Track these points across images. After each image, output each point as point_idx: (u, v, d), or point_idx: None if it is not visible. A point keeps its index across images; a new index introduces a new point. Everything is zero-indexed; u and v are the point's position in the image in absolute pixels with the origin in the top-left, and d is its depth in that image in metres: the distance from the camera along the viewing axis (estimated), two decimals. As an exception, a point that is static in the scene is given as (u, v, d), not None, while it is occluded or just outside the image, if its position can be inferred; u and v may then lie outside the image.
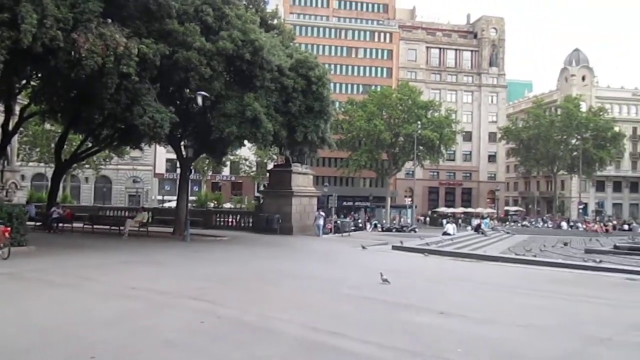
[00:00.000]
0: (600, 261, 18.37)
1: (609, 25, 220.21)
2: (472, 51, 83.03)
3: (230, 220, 31.51)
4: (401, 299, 9.83)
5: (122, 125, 22.66)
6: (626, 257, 22.80)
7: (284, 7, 73.07)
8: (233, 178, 67.30)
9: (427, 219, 67.32)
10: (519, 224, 63.95)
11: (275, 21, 27.18)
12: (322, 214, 29.45)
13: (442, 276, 14.11)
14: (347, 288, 11.07)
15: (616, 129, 72.27)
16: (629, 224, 61.98)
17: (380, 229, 48.33)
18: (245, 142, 26.84)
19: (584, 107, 75.37)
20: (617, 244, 27.84)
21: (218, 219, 31.42)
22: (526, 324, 8.08)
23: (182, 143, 26.49)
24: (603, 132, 69.56)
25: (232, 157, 54.43)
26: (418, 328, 7.49)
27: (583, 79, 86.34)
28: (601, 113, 72.29)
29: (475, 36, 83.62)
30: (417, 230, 46.27)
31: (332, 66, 72.67)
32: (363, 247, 21.29)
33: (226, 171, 65.09)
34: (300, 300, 9.57)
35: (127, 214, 31.43)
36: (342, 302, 9.50)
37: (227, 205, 51.91)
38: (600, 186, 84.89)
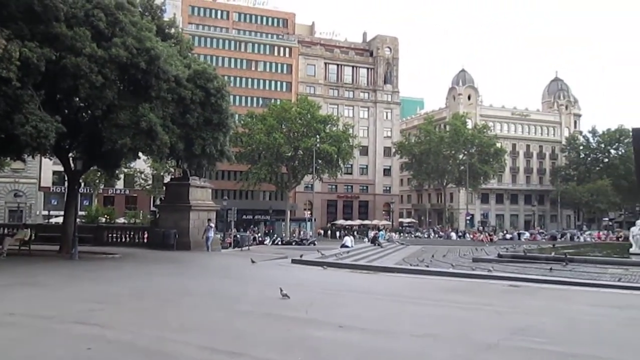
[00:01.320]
0: (490, 269, 19.59)
1: (492, 46, 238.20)
2: (368, 68, 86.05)
3: (123, 236, 29.96)
4: (301, 313, 9.80)
5: (1, 135, 20.87)
6: (509, 265, 24.51)
7: (182, 16, 71.53)
8: (127, 192, 64.25)
9: (329, 232, 68.41)
10: (413, 235, 66.72)
11: (173, 30, 26.41)
12: (212, 225, 28.51)
13: (340, 289, 14.27)
14: (246, 304, 10.86)
15: (498, 145, 78.06)
16: (511, 233, 66.81)
17: (280, 243, 48.32)
18: (140, 154, 25.75)
19: (470, 124, 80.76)
20: (501, 252, 29.88)
21: (110, 235, 29.79)
22: (422, 333, 8.35)
23: (71, 155, 24.83)
24: (487, 148, 74.79)
25: (126, 170, 51.89)
26: (318, 343, 7.48)
27: (469, 97, 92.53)
28: (485, 130, 77.75)
29: (371, 54, 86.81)
30: (316, 243, 46.79)
31: (232, 78, 72.12)
32: (253, 262, 20.93)
33: (120, 184, 61.96)
34: (198, 320, 9.23)
35: (6, 231, 28.96)
36: (241, 319, 9.29)
37: (121, 221, 49.50)
38: (485, 198, 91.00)
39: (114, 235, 30.01)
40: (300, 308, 10.28)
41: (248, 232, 54.06)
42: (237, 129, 55.48)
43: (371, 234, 47.93)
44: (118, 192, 64.05)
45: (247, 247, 34.48)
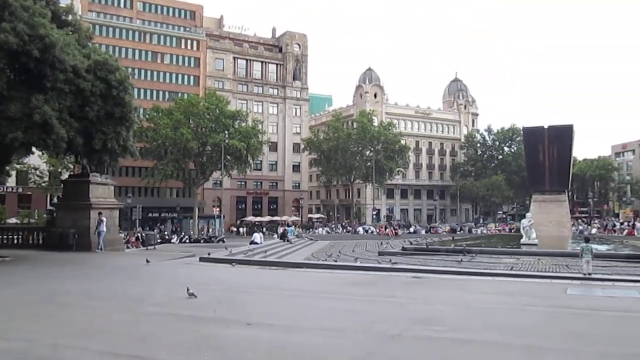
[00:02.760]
0: (393, 262, 20.30)
1: (397, 46, 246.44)
2: (277, 64, 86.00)
3: (15, 237, 27.84)
4: (208, 312, 9.63)
5: None
6: (412, 257, 25.57)
7: (82, 3, 67.79)
8: (20, 190, 59.77)
9: (239, 229, 67.69)
10: (321, 231, 67.57)
11: (70, 17, 24.82)
12: (104, 218, 26.22)
13: (250, 286, 14.19)
14: (151, 306, 10.51)
15: (402, 142, 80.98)
16: (414, 227, 69.49)
17: (188, 241, 47.18)
18: (34, 149, 24.08)
19: (376, 122, 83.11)
20: (405, 246, 31.07)
21: (1, 237, 27.61)
22: (329, 327, 8.51)
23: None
24: (392, 144, 77.29)
25: (18, 166, 48.22)
26: (225, 342, 7.39)
27: (375, 96, 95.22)
28: (390, 127, 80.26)
29: (281, 50, 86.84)
30: (225, 240, 46.18)
31: (136, 71, 69.36)
32: (147, 262, 19.88)
33: (11, 182, 57.48)
34: (98, 324, 8.79)
35: None
36: (145, 321, 8.97)
37: (13, 220, 46.01)
38: (390, 193, 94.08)
39: (5, 236, 27.77)
40: (208, 307, 10.10)
41: (155, 230, 52.34)
42: (141, 124, 53.46)
43: (280, 230, 47.95)
44: (9, 190, 59.43)
45: (152, 246, 33.35)
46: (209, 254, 22.77)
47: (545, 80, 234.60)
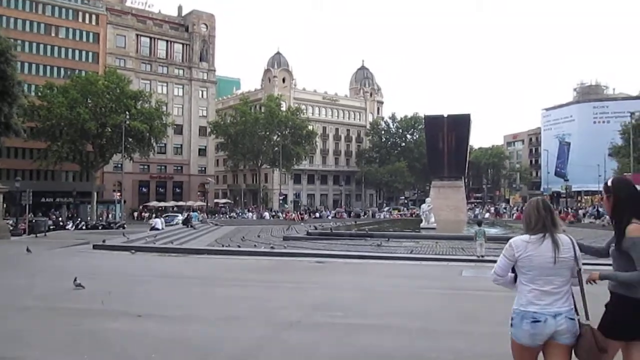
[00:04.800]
0: (293, 246, 20.25)
1: (307, 31, 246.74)
2: (183, 44, 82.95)
3: None
4: (96, 304, 8.95)
5: None
6: (317, 242, 25.72)
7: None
8: None
9: (142, 214, 64.96)
10: (227, 216, 66.64)
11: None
12: None
13: (146, 274, 13.52)
14: (30, 299, 9.61)
15: (310, 127, 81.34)
16: (319, 212, 70.40)
17: (85, 227, 44.61)
18: None
19: (284, 107, 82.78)
20: (310, 231, 31.24)
21: None
22: (225, 316, 8.18)
23: None
24: (299, 130, 77.31)
25: None
26: (111, 336, 6.83)
27: (284, 80, 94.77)
28: (298, 113, 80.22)
29: (187, 29, 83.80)
30: (125, 226, 44.11)
31: (27, 44, 64.13)
32: (28, 251, 18.26)
33: None
34: (-36, 321, 7.88)
35: None
36: (21, 316, 8.15)
37: None
38: (297, 178, 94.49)
39: None
40: (96, 298, 9.40)
41: (50, 216, 48.96)
42: (32, 101, 49.55)
43: (183, 215, 46.57)
44: None
45: (42, 234, 31.12)
46: (103, 241, 21.59)
47: (446, 72, 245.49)
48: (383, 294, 10.72)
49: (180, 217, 33.25)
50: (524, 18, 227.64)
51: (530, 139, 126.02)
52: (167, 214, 53.31)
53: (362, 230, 30.58)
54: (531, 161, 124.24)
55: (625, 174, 66.92)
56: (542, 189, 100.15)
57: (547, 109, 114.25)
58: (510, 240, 3.74)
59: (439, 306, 9.22)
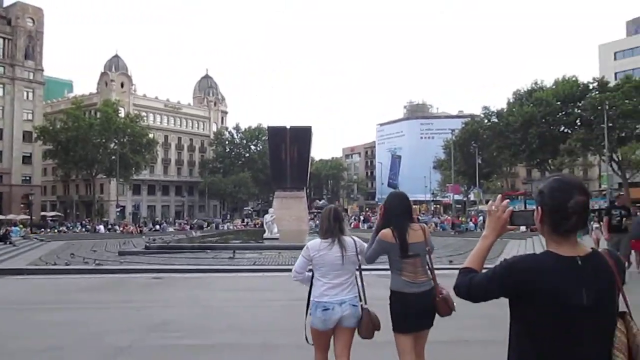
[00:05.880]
0: (98, 263, 18.98)
1: (149, 36, 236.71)
2: (5, 39, 74.53)
3: None
4: None
5: None
6: (155, 256, 24.47)
7: None
8: None
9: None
10: (56, 230, 60.87)
11: None
12: None
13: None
14: None
15: (151, 135, 77.84)
16: (160, 224, 67.47)
17: None
18: None
19: (122, 113, 78.22)
20: (148, 244, 29.72)
21: None
22: (47, 346, 7.26)
23: None
24: (139, 138, 73.52)
25: None
26: None
27: (122, 85, 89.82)
28: (138, 120, 76.36)
29: (10, 23, 75.44)
30: None
31: None
32: None
33: None
34: None
35: None
36: None
37: None
38: (136, 189, 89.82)
39: None
40: None
41: None
42: None
43: (1, 230, 41.48)
44: None
45: None
46: None
47: (289, 84, 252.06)
48: (224, 309, 10.42)
49: (-4, 233, 29.68)
50: (363, 34, 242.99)
51: (367, 152, 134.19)
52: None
53: (205, 242, 29.86)
54: (367, 173, 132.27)
55: (447, 185, 74.46)
56: (376, 199, 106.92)
57: (381, 124, 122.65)
58: (307, 243, 4.58)
59: (283, 319, 9.17)
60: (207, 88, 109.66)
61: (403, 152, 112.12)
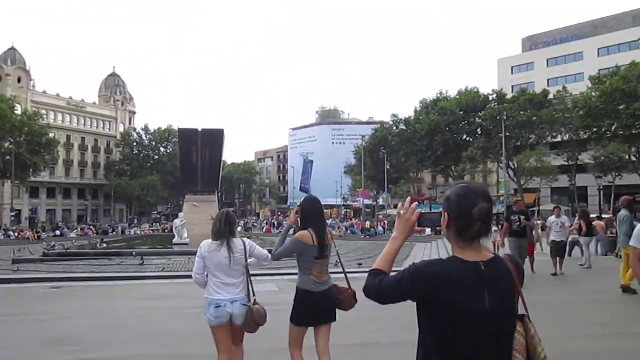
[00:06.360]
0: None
1: (50, 28, 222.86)
2: None
3: None
4: None
5: None
6: (55, 264, 23.00)
7: None
8: None
9: None
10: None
11: None
12: None
13: None
14: None
15: (51, 135, 73.24)
16: (60, 229, 63.58)
17: None
18: None
19: (19, 110, 72.97)
20: (46, 251, 27.91)
21: None
22: None
23: None
24: (38, 137, 68.94)
25: None
26: None
27: (19, 80, 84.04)
28: (36, 118, 71.57)
29: None
30: None
31: None
32: None
33: None
34: None
35: None
36: None
37: None
38: (34, 192, 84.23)
39: None
40: None
41: None
42: None
43: None
44: None
45: None
46: None
47: (200, 86, 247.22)
48: (129, 318, 9.96)
49: None
50: (276, 38, 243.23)
51: (279, 156, 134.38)
52: None
53: (110, 248, 28.50)
54: (279, 177, 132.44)
55: (357, 189, 76.15)
56: (288, 203, 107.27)
57: (293, 129, 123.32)
58: (200, 243, 4.87)
59: (192, 327, 8.88)
60: (114, 86, 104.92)
61: (315, 156, 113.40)
